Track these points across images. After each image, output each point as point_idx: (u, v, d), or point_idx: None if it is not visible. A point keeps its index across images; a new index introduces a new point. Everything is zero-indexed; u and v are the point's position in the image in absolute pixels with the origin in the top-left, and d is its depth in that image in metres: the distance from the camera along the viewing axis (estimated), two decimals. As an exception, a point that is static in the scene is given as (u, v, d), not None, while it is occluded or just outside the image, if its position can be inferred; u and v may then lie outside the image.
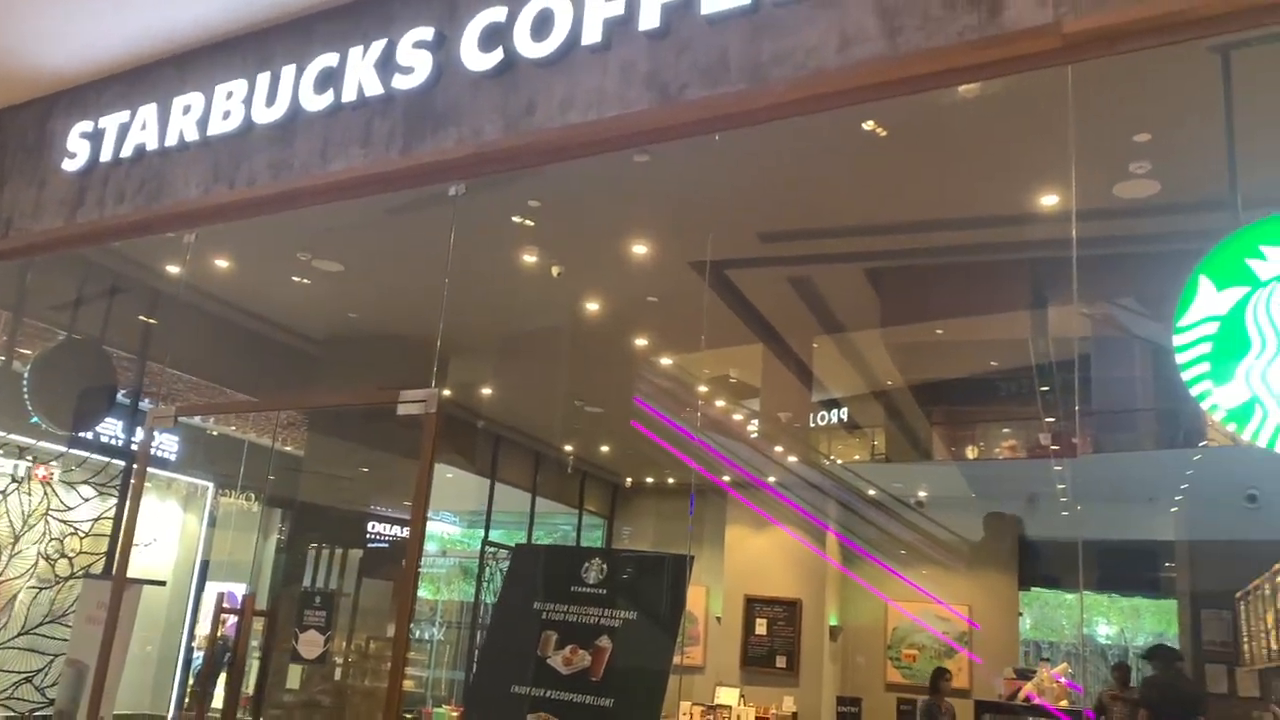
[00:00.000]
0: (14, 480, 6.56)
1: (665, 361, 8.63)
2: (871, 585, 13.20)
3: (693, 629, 13.53)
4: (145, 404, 7.53)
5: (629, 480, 14.66)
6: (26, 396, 6.43)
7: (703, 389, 10.03)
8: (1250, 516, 8.92)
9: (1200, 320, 2.84)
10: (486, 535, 11.63)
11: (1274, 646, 7.97)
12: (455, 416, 10.80)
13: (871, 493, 13.44)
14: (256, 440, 14.36)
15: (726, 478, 12.28)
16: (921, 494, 13.20)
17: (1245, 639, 9.26)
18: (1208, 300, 2.84)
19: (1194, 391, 2.81)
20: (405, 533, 10.17)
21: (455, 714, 6.40)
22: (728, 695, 9.84)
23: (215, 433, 14.69)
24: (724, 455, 12.09)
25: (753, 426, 11.90)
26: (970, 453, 13.48)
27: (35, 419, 6.46)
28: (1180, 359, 2.84)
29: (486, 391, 10.20)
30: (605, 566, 4.01)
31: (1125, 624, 14.68)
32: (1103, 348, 8.61)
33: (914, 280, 6.38)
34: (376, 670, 9.02)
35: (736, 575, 12.68)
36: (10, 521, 6.64)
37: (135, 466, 4.65)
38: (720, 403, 10.79)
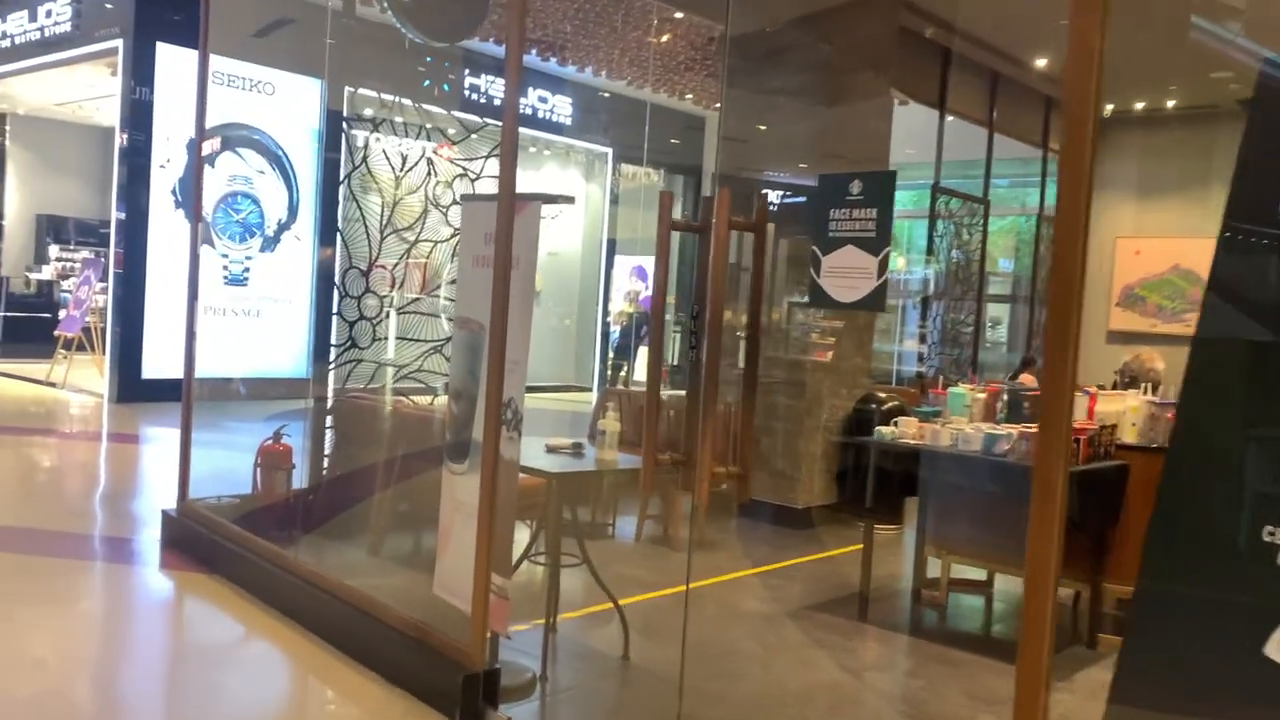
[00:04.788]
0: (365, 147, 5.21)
1: None
2: None
3: None
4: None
5: (1108, 108, 11.36)
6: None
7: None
8: None
9: None
10: (937, 181, 9.30)
11: None
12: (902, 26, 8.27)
13: None
14: (652, 100, 12.80)
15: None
16: None
17: None
18: None
19: None
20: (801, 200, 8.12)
21: (982, 393, 4.52)
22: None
23: (607, 94, 13.33)
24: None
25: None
26: None
27: (401, 27, 4.96)
28: None
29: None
30: None
31: None
32: None
33: None
34: (805, 345, 7.40)
35: None
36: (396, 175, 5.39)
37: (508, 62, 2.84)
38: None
